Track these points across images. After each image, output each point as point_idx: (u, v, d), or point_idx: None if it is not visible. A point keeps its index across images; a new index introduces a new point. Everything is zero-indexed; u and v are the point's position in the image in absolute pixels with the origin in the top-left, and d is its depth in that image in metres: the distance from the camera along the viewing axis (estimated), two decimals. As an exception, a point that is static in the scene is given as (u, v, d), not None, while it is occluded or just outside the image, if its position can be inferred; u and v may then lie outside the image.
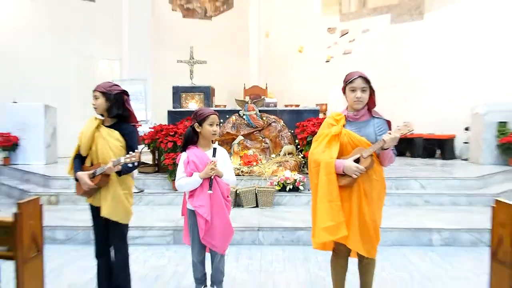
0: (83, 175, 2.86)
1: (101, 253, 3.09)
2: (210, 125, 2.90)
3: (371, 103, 2.72)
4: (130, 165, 2.83)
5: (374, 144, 2.56)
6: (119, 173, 2.90)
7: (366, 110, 2.72)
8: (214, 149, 2.91)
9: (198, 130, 2.94)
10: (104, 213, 2.92)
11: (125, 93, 3.03)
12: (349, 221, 2.62)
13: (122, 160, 2.77)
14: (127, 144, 2.95)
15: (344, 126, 2.69)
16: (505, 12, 8.28)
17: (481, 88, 8.67)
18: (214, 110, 3.00)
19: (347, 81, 2.66)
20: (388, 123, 2.72)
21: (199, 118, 2.91)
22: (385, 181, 2.76)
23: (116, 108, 2.97)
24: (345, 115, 2.74)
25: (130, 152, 2.82)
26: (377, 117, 2.73)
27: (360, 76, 2.63)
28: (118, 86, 3.04)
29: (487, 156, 7.61)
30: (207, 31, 12.38)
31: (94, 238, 3.10)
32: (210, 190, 2.83)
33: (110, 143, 2.91)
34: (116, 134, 2.94)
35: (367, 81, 2.63)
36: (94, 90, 2.96)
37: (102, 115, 3.02)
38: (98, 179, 2.85)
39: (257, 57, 13.43)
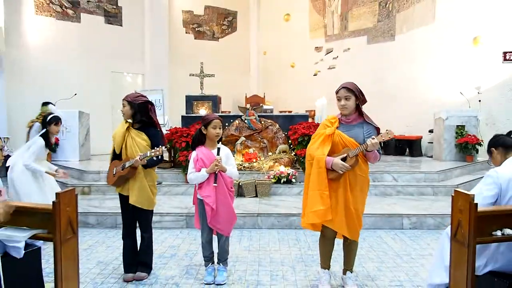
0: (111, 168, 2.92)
1: (127, 235, 3.08)
2: (214, 128, 2.89)
3: (359, 109, 2.68)
4: (154, 158, 2.85)
5: (360, 146, 2.55)
6: (145, 166, 2.91)
7: (356, 115, 2.69)
8: (218, 149, 2.90)
9: (204, 132, 2.93)
10: (132, 200, 2.93)
11: (149, 103, 3.02)
12: (336, 209, 2.61)
13: (148, 153, 2.81)
14: (152, 143, 2.97)
15: (337, 127, 2.68)
16: (461, 35, 8.27)
17: (443, 97, 8.66)
18: (220, 116, 3.00)
19: (335, 92, 2.65)
20: (377, 129, 2.68)
21: (205, 122, 2.92)
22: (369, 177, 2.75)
23: (140, 115, 2.98)
24: (339, 118, 2.73)
25: (155, 147, 2.85)
26: (367, 122, 2.68)
27: (343, 87, 2.62)
28: (144, 96, 3.04)
29: (447, 153, 7.59)
30: (215, 50, 12.36)
31: (122, 222, 3.09)
32: (215, 183, 2.83)
33: (137, 142, 2.93)
34: (143, 135, 2.97)
35: (350, 90, 2.61)
36: (123, 99, 2.98)
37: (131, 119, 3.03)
38: (127, 170, 2.87)
39: (257, 71, 13.41)
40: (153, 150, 2.82)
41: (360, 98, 2.64)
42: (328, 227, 2.69)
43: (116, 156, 3.03)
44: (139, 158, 2.79)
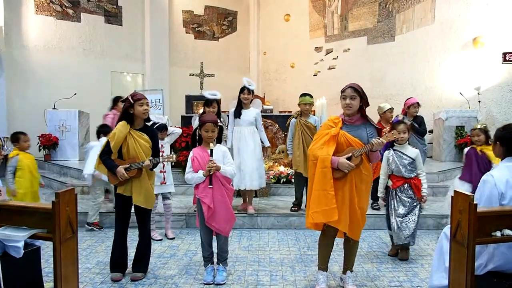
0: (121, 169, 2.87)
1: (121, 235, 3.08)
2: (206, 131, 2.93)
3: (363, 110, 2.71)
4: (159, 160, 2.97)
5: (364, 146, 2.58)
6: (151, 168, 2.99)
7: (359, 115, 2.72)
8: (211, 150, 2.89)
9: (200, 132, 2.99)
10: (137, 201, 2.94)
11: None
12: (342, 208, 2.61)
13: (161, 159, 2.93)
14: (153, 145, 3.01)
15: (341, 128, 2.68)
16: (461, 36, 8.28)
17: (442, 98, 8.67)
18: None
19: (341, 91, 2.67)
20: (379, 130, 2.72)
21: (199, 123, 3.00)
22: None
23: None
24: (342, 118, 2.73)
25: (166, 153, 2.94)
26: (369, 123, 2.74)
27: (350, 87, 2.65)
28: None
29: (447, 154, 7.59)
30: (215, 50, 12.36)
31: (119, 223, 3.07)
32: (211, 184, 2.85)
33: (141, 144, 2.95)
34: (145, 137, 2.99)
35: (356, 90, 2.63)
36: (146, 99, 2.99)
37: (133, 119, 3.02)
38: (134, 172, 2.90)
39: (256, 71, 13.40)
40: (165, 157, 2.99)
41: (364, 100, 2.68)
42: (330, 226, 2.68)
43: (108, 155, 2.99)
44: (151, 163, 2.88)
